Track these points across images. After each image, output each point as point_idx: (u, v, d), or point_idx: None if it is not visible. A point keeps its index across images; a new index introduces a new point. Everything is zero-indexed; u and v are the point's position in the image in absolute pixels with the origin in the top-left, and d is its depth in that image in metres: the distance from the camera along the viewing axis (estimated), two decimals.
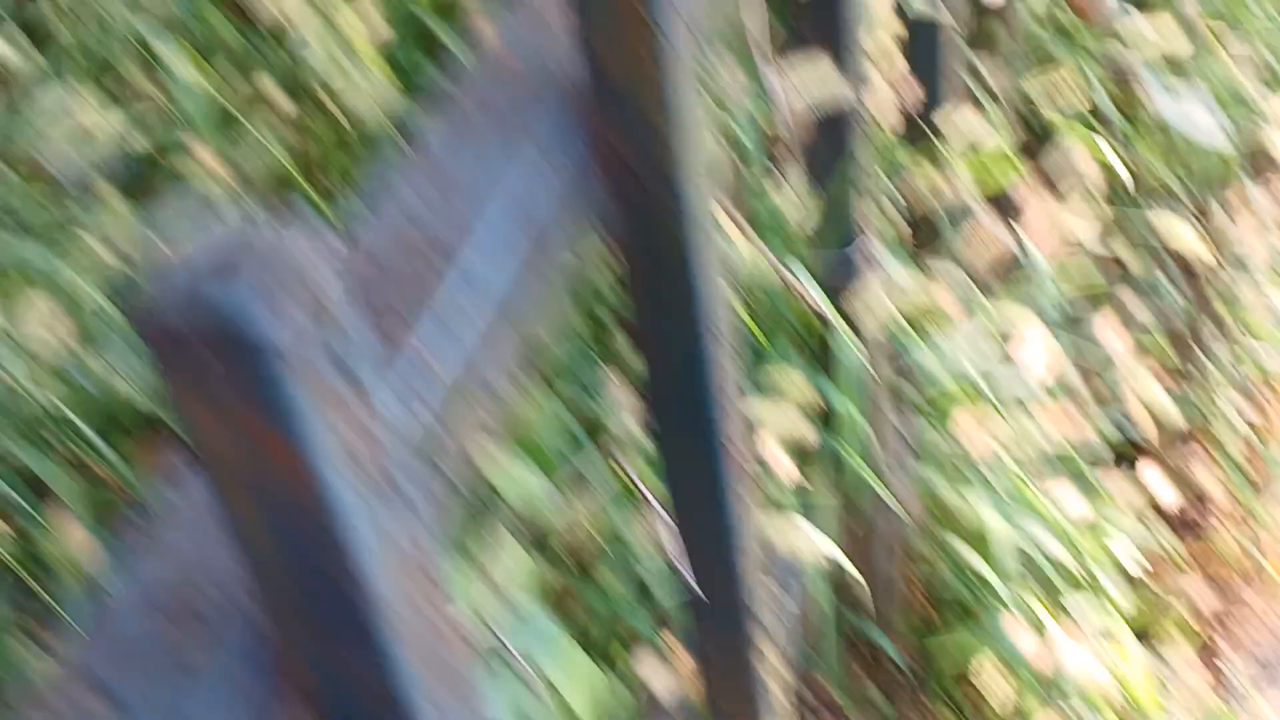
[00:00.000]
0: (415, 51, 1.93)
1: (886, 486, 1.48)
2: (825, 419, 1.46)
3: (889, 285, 1.51)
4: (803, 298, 1.26)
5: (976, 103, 1.89)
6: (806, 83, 1.11)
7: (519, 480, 1.03)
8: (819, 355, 1.48)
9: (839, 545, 1.41)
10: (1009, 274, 1.76)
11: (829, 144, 1.26)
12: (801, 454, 1.41)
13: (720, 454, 1.01)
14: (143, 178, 1.87)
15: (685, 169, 0.89)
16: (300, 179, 1.60)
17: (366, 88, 1.61)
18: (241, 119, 1.68)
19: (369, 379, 0.57)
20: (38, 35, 1.91)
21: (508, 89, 0.90)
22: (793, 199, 1.28)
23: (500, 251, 0.80)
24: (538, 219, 0.84)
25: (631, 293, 0.96)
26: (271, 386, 0.52)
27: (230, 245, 0.54)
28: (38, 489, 1.36)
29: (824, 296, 1.30)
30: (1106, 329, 1.68)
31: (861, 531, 1.54)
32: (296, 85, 1.76)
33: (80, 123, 1.52)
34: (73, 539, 1.21)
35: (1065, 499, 1.64)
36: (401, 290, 0.73)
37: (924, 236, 1.67)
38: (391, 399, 0.62)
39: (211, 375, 0.52)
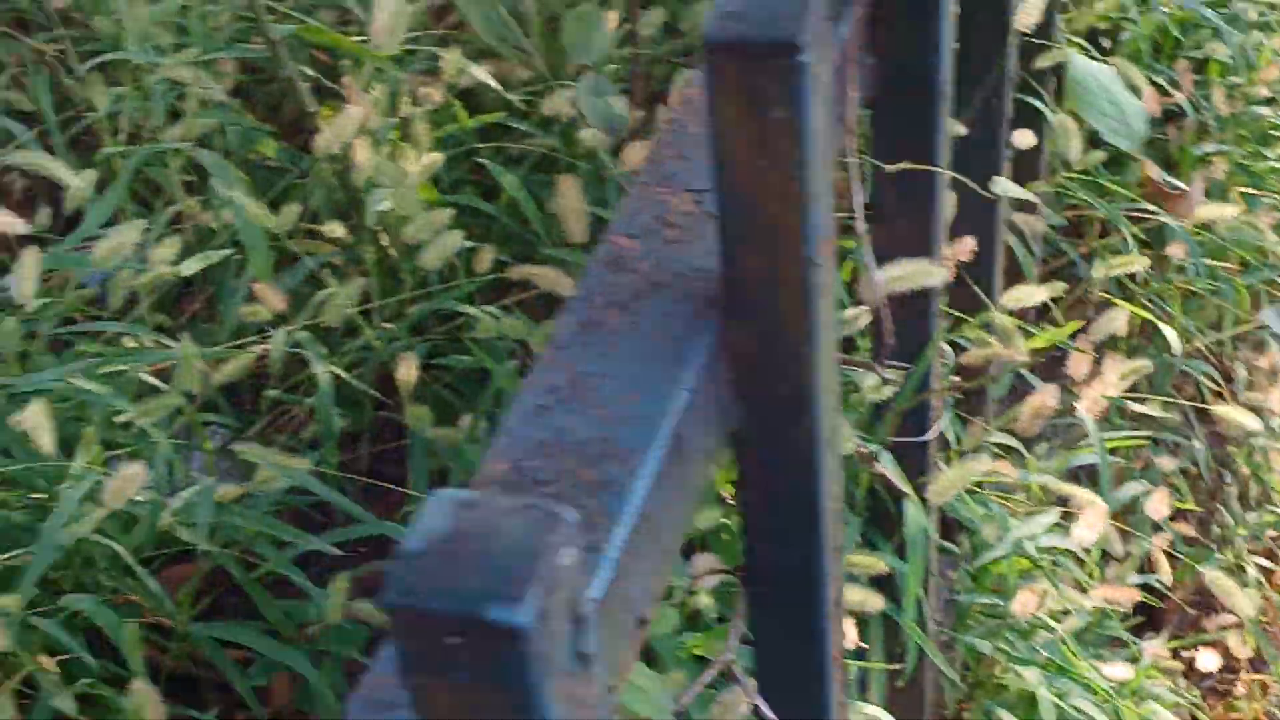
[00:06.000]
0: (457, 170, 1.93)
1: (939, 653, 1.47)
2: (877, 582, 1.45)
3: (951, 452, 1.51)
4: (875, 470, 1.26)
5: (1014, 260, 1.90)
6: (899, 261, 1.12)
7: (647, 693, 1.01)
8: (873, 517, 1.47)
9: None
10: (1055, 435, 1.77)
11: (908, 318, 1.27)
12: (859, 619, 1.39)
13: (825, 658, 0.99)
14: (185, 302, 1.86)
15: (816, 376, 0.88)
16: (353, 311, 1.58)
17: (417, 213, 1.60)
18: (293, 248, 1.67)
19: (594, 655, 0.55)
20: (85, 151, 1.90)
21: (635, 287, 0.89)
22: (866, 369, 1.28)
23: (644, 466, 0.79)
24: (676, 427, 0.83)
25: (744, 491, 0.95)
26: (514, 672, 0.51)
27: (471, 524, 0.52)
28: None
29: (896, 469, 1.30)
30: (1153, 496, 1.68)
31: (909, 699, 1.53)
32: (347, 211, 1.75)
33: (127, 243, 1.49)
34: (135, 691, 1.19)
35: (1106, 663, 1.63)
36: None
37: (972, 398, 1.67)
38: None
39: (453, 656, 0.51)
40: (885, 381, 1.23)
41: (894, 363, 1.12)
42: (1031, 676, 1.60)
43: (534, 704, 0.52)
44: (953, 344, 1.51)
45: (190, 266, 1.46)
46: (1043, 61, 1.80)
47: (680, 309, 0.87)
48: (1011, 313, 1.52)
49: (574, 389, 0.83)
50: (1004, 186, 1.47)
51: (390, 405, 1.80)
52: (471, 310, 1.58)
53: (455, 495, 0.54)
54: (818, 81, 0.75)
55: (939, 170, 1.17)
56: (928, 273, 1.07)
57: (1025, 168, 1.87)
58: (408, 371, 1.53)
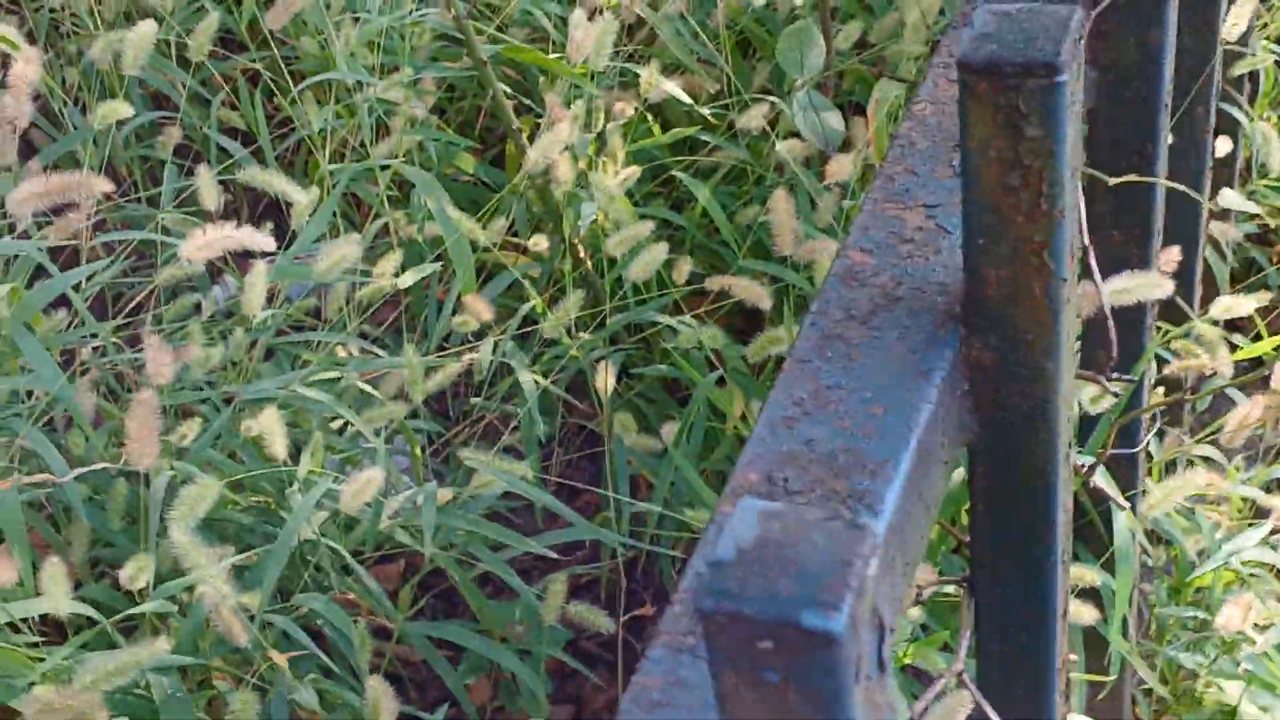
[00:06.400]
0: (646, 184, 1.97)
1: (1146, 667, 1.46)
2: (1081, 593, 1.44)
3: (1153, 465, 1.50)
4: (1091, 483, 1.26)
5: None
6: (1121, 274, 1.12)
7: None
8: (1076, 529, 1.47)
9: None
10: (1245, 447, 1.74)
11: (1120, 330, 1.26)
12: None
13: (1051, 669, 1.00)
14: (382, 312, 1.92)
15: (1056, 389, 0.89)
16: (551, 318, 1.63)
17: (626, 225, 1.63)
18: (494, 260, 1.72)
19: (888, 663, 0.57)
20: (286, 167, 1.97)
21: (873, 301, 0.91)
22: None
23: (894, 477, 0.81)
24: (920, 439, 0.84)
25: (975, 504, 0.96)
26: (824, 676, 0.53)
27: (778, 533, 0.55)
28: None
29: (1110, 482, 1.30)
30: None
31: (1107, 710, 1.52)
32: (542, 224, 1.79)
33: (348, 257, 1.54)
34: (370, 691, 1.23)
35: None
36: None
37: (1170, 410, 1.66)
38: None
39: (764, 658, 0.54)
40: (1113, 395, 1.23)
41: (1117, 375, 1.12)
42: (1234, 690, 1.58)
43: (840, 707, 0.54)
44: (1155, 355, 1.50)
45: (407, 279, 1.52)
46: (1240, 69, 1.77)
47: (919, 322, 0.88)
48: (1215, 323, 1.50)
49: (818, 401, 0.85)
50: (1229, 199, 1.46)
51: (579, 412, 1.84)
52: (671, 321, 1.61)
53: (760, 505, 0.56)
54: (1072, 100, 0.76)
55: (1158, 181, 1.17)
56: (1153, 285, 1.07)
57: (1219, 175, 1.84)
58: (607, 380, 1.57)
